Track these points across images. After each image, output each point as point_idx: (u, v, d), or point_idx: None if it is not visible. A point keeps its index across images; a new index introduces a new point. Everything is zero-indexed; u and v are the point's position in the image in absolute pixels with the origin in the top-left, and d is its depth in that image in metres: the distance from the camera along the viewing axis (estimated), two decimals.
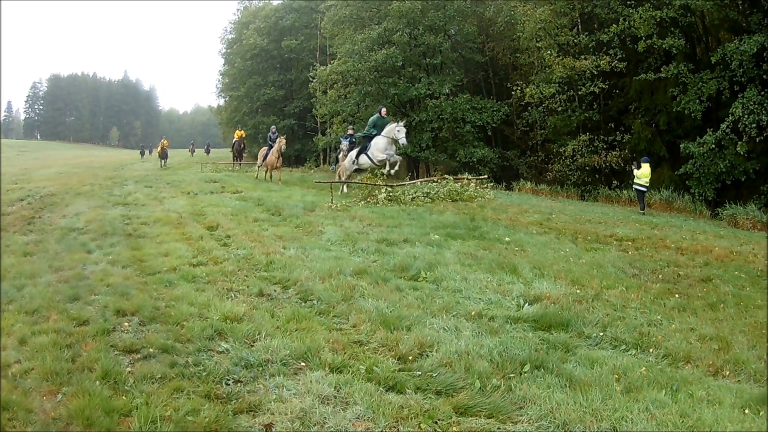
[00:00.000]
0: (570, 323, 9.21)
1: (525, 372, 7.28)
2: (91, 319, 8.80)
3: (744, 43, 28.38)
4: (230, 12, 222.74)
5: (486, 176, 33.58)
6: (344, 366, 7.34)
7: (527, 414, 6.25)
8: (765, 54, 28.12)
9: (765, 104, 27.89)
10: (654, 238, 18.57)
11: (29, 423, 5.90)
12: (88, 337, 8.09)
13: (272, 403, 6.36)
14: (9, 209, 20.51)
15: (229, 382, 6.88)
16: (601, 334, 8.88)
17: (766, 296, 11.51)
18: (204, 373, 7.03)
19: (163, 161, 57.92)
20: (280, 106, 68.84)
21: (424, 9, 42.90)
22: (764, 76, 28.31)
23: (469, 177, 31.49)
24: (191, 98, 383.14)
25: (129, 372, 7.05)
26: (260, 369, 7.25)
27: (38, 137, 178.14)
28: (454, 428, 5.87)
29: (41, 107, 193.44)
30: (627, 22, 33.75)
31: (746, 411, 6.45)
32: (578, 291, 11.18)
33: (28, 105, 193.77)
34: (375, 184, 26.73)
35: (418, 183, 29.35)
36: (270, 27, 68.51)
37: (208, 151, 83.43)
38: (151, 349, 7.75)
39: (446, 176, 30.34)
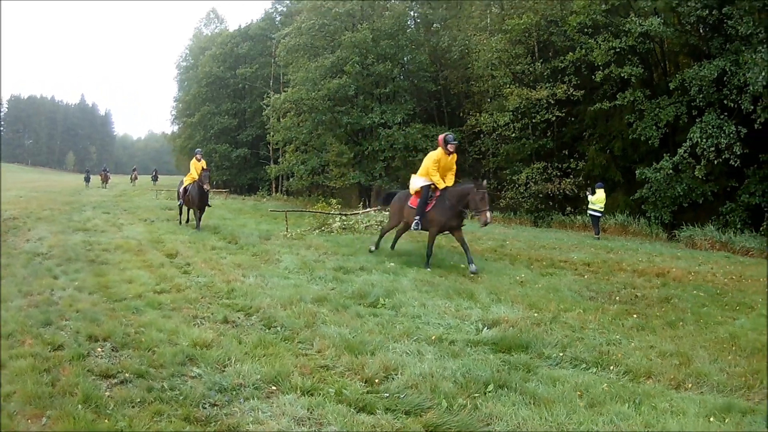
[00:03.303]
0: (530, 345, 9.38)
1: (489, 391, 7.45)
2: (66, 344, 8.86)
3: (704, 68, 28.75)
4: (186, 38, 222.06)
5: None
6: (314, 389, 7.47)
7: (495, 430, 6.44)
8: (725, 78, 28.49)
9: (724, 127, 28.25)
10: (610, 261, 18.88)
11: None
12: (64, 361, 8.14)
13: (250, 425, 6.49)
14: None
15: (206, 406, 6.98)
16: (561, 354, 9.07)
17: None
18: (181, 397, 7.12)
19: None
20: (233, 135, 68.84)
21: (376, 38, 43.22)
22: (724, 101, 28.68)
23: None
24: (145, 124, 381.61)
25: (108, 396, 7.13)
26: (234, 393, 7.36)
27: None
28: None
29: (2, 128, 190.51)
30: (584, 50, 34.05)
31: (711, 419, 6.67)
32: (536, 314, 11.40)
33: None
34: (329, 213, 27.02)
35: (372, 212, 29.59)
36: (225, 54, 68.72)
37: (155, 179, 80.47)
38: (126, 374, 7.80)
39: None
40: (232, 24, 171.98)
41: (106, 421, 6.45)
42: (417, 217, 17.11)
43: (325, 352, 9.00)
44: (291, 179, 51.96)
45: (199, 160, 26.48)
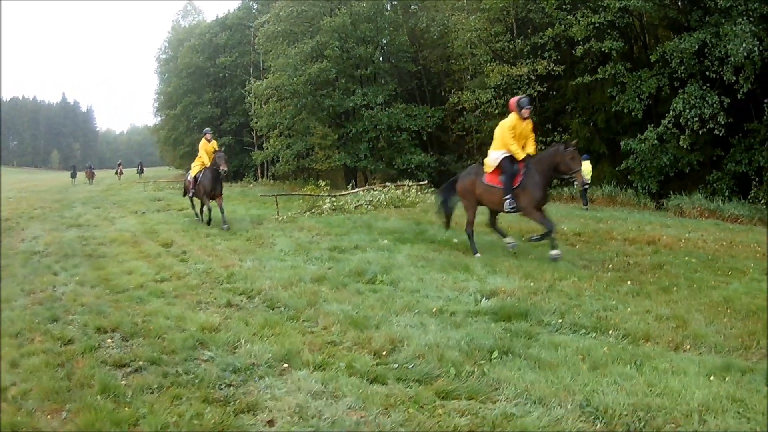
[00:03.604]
0: (528, 313, 9.58)
1: (494, 358, 7.66)
2: (75, 338, 8.94)
3: (684, 40, 28.99)
4: (165, 31, 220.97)
5: (426, 182, 34.05)
6: (325, 364, 7.65)
7: (504, 394, 6.62)
8: (706, 50, 28.71)
9: (707, 98, 28.52)
10: (600, 231, 19.17)
11: None
12: (77, 355, 8.22)
13: (268, 401, 6.63)
14: None
15: (222, 387, 7.11)
16: (560, 321, 9.28)
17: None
18: (197, 380, 7.25)
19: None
20: (216, 124, 67.52)
21: (355, 22, 43.24)
22: (706, 72, 28.89)
23: (410, 183, 32.21)
24: (127, 118, 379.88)
25: (125, 385, 7.21)
26: (248, 372, 7.50)
27: None
28: (440, 410, 6.21)
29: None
30: (563, 26, 34.18)
31: (711, 378, 6.87)
32: (532, 284, 11.59)
33: None
34: (318, 195, 27.28)
35: (360, 192, 29.81)
36: (204, 45, 68.58)
37: (141, 171, 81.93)
38: (140, 362, 7.91)
39: (387, 183, 30.91)
40: (210, 15, 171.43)
41: (126, 409, 6.51)
42: (508, 197, 14.90)
43: (331, 328, 9.19)
44: (277, 164, 52.02)
45: (209, 141, 22.91)
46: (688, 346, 8.19)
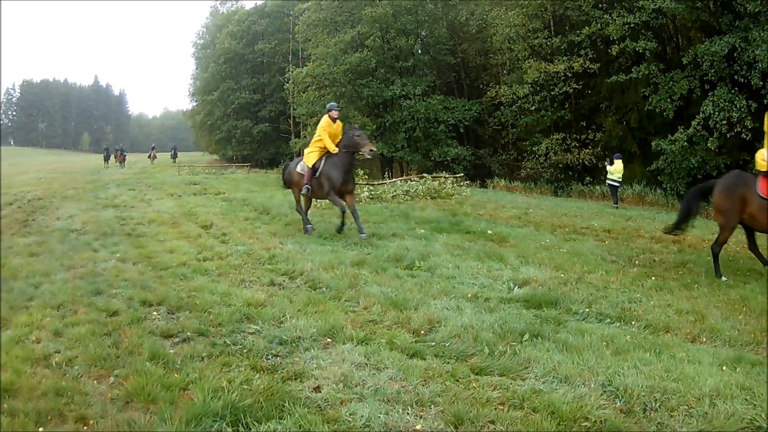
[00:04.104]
0: (558, 302, 10.08)
1: (525, 340, 8.15)
2: (120, 311, 9.33)
3: (715, 44, 29.14)
4: (201, 15, 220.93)
5: (462, 174, 34.28)
6: (367, 339, 8.14)
7: (533, 372, 7.11)
8: (735, 54, 28.87)
9: (735, 102, 28.68)
10: (629, 228, 19.55)
11: (88, 405, 6.24)
12: (123, 325, 8.62)
13: (314, 370, 7.09)
14: (1, 213, 20.90)
15: (269, 357, 7.57)
16: (587, 310, 9.78)
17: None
18: (245, 351, 7.70)
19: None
20: (253, 110, 68.90)
21: (396, 13, 43.41)
22: (735, 76, 29.05)
23: (446, 175, 32.26)
24: (160, 102, 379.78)
25: (174, 353, 7.64)
26: (294, 344, 7.97)
27: (12, 143, 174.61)
28: (474, 384, 6.69)
29: (14, 114, 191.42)
30: (599, 25, 34.38)
31: (723, 368, 7.34)
32: (562, 275, 12.09)
33: (2, 111, 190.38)
34: (357, 183, 27.20)
35: (398, 182, 30.13)
36: (243, 31, 68.66)
37: (174, 156, 79.93)
38: (188, 333, 8.36)
39: (424, 174, 31.10)
40: (248, 2, 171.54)
41: (176, 375, 6.88)
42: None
43: (372, 308, 9.66)
44: None
45: (334, 121, 17.12)
46: (705, 339, 8.67)
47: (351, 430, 5.62)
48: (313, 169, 17.02)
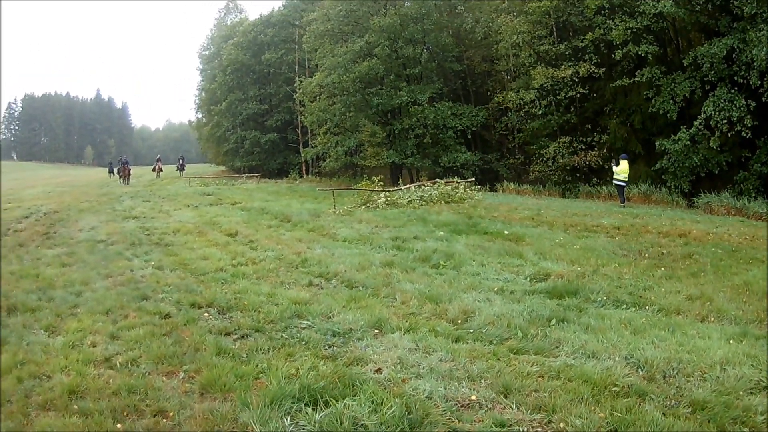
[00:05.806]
0: (578, 291, 11.09)
1: (552, 324, 9.10)
2: (172, 313, 10.04)
3: (714, 45, 29.74)
4: (206, 28, 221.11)
5: (473, 179, 34.88)
6: (412, 329, 9.00)
7: (564, 350, 8.05)
8: (734, 55, 29.48)
9: (735, 101, 29.23)
10: (637, 225, 20.26)
11: (164, 399, 6.75)
12: (180, 326, 9.31)
13: (372, 356, 7.90)
14: (19, 226, 21.52)
15: (327, 347, 8.33)
16: (605, 298, 10.79)
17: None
18: (303, 342, 8.46)
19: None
20: (261, 120, 69.12)
21: (404, 23, 43.82)
22: (734, 76, 29.65)
23: (458, 180, 32.77)
24: (163, 114, 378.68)
25: (237, 347, 8.35)
26: (347, 336, 8.76)
27: (14, 158, 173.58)
28: (514, 362, 7.59)
29: (17, 128, 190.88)
30: (602, 30, 34.86)
31: (731, 341, 8.32)
32: (578, 269, 13.10)
33: (4, 126, 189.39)
34: (373, 190, 28.20)
35: (412, 188, 30.63)
36: (249, 42, 68.73)
37: (181, 168, 71.88)
38: (245, 330, 9.08)
39: (438, 180, 31.82)
40: (252, 14, 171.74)
41: (245, 366, 7.54)
42: None
43: (409, 303, 10.54)
44: (327, 160, 52.37)
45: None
46: (713, 319, 9.72)
47: (418, 401, 6.37)
48: None
